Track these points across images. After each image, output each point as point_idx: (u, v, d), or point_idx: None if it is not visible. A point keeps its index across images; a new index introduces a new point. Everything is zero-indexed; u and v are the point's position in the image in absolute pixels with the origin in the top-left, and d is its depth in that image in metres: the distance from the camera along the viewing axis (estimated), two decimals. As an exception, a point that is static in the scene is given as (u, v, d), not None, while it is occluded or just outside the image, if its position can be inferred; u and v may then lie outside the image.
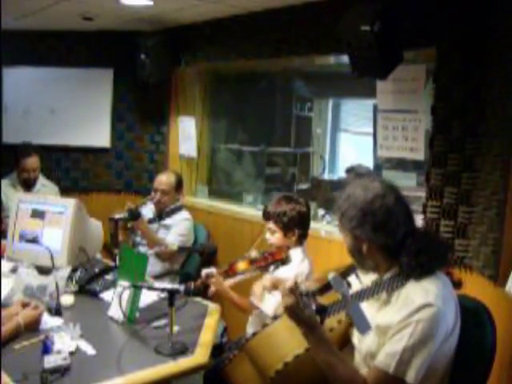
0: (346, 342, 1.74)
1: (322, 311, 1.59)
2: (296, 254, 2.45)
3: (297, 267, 2.41)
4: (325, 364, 1.55)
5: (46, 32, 4.27)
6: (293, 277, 1.80)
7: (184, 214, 3.56)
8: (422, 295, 1.50)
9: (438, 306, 1.47)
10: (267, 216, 2.53)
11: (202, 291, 2.41)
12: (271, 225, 2.50)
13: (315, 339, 1.56)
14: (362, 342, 1.65)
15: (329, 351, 1.56)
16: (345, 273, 1.67)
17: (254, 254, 2.34)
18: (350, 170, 4.08)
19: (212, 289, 2.41)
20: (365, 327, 1.48)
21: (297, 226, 2.48)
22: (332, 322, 1.70)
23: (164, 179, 3.52)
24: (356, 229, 1.59)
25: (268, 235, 2.53)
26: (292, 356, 1.66)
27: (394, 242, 1.58)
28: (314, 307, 1.57)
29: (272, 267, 2.42)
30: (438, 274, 1.58)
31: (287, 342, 1.69)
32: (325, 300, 1.63)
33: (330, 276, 1.53)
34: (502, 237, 2.12)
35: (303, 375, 1.67)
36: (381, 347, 1.54)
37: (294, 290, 1.55)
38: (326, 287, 1.56)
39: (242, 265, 2.25)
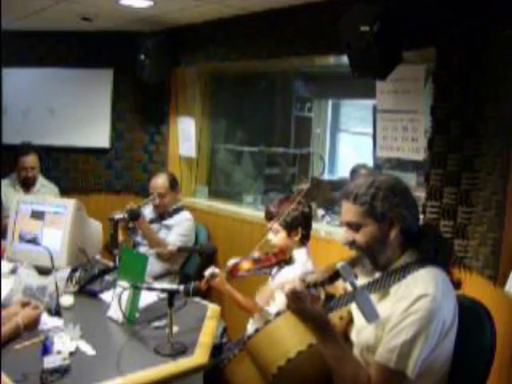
0: (345, 339, 1.74)
1: (331, 300, 1.60)
2: (300, 254, 2.44)
3: (301, 267, 2.39)
4: (332, 358, 1.56)
5: (46, 32, 4.26)
6: (296, 278, 1.76)
7: (185, 215, 3.56)
8: (421, 286, 1.51)
9: (435, 296, 1.48)
10: (270, 216, 2.52)
11: (203, 292, 2.40)
12: (274, 225, 2.49)
13: (324, 334, 1.57)
14: (359, 336, 1.65)
15: (337, 346, 1.57)
16: (351, 263, 1.66)
17: (257, 254, 2.34)
18: (355, 170, 4.08)
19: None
20: (372, 316, 1.48)
21: (300, 226, 2.47)
22: (334, 318, 1.70)
23: (158, 182, 3.52)
24: (391, 210, 1.58)
25: (271, 235, 2.51)
26: (295, 352, 1.66)
27: (417, 224, 1.63)
28: (323, 296, 1.58)
29: (276, 267, 2.42)
30: (439, 270, 1.59)
31: (290, 339, 1.69)
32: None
33: (339, 265, 1.53)
34: (501, 237, 2.12)
35: (305, 371, 1.66)
36: (379, 340, 1.54)
37: (299, 291, 1.56)
38: (334, 276, 1.55)
39: (245, 265, 2.24)
